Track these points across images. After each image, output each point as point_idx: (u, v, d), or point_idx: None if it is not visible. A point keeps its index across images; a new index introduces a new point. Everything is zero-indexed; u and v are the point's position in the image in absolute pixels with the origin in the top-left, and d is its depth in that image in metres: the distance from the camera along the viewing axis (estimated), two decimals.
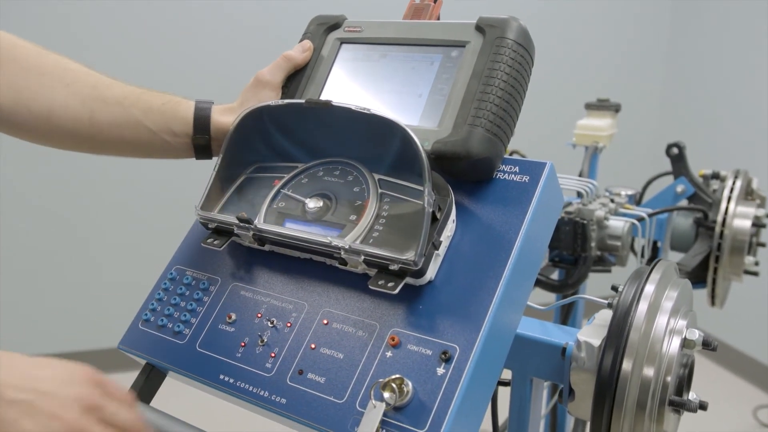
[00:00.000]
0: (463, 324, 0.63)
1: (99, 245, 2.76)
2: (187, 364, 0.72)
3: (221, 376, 0.70)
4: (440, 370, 0.61)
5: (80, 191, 2.69)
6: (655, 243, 1.46)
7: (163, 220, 2.57)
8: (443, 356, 0.61)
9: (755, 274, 1.41)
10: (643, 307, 0.72)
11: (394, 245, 0.65)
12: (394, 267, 0.63)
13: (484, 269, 0.66)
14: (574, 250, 1.23)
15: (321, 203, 0.72)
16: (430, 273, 0.66)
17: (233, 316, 0.73)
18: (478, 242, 0.68)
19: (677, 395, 0.74)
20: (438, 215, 0.65)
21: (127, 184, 2.72)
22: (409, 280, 0.65)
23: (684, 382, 0.75)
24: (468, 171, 0.70)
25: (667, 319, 0.73)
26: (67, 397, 0.54)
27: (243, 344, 0.71)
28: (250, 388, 0.68)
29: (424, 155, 0.65)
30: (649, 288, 0.74)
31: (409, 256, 0.62)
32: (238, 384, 0.69)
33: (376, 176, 0.72)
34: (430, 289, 0.66)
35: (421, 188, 0.66)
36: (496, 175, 0.71)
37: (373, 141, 0.72)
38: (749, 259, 1.36)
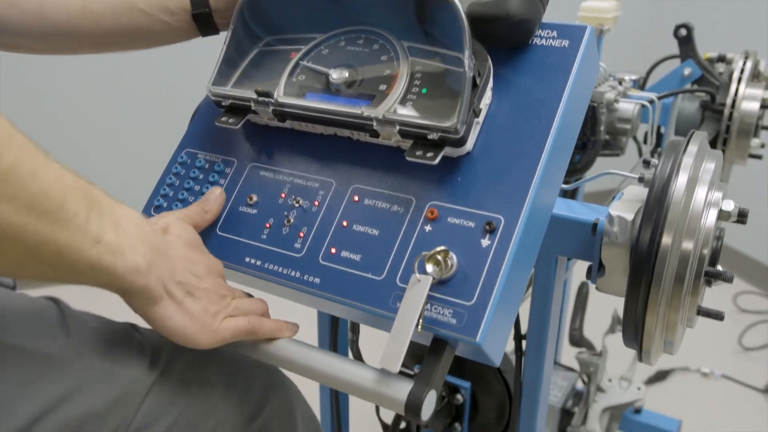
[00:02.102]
0: (507, 194, 0.60)
1: (97, 142, 2.64)
2: (208, 248, 0.69)
3: (247, 259, 0.67)
4: (485, 242, 0.58)
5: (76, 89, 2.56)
6: (659, 129, 1.43)
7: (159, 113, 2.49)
8: (487, 227, 0.58)
9: (759, 157, 1.40)
10: (682, 179, 0.70)
11: (431, 114, 0.61)
12: (433, 136, 0.60)
13: (525, 139, 0.62)
14: (584, 133, 1.20)
15: (346, 74, 0.67)
16: (470, 143, 0.62)
17: (254, 198, 0.69)
18: (516, 111, 0.64)
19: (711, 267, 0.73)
20: (478, 81, 0.61)
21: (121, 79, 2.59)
22: (446, 151, 0.62)
23: (717, 254, 0.73)
24: (505, 35, 0.65)
25: (705, 191, 0.70)
26: (215, 284, 0.60)
27: (268, 225, 0.67)
28: (280, 270, 0.65)
29: (463, 15, 0.60)
30: (687, 160, 0.71)
31: (450, 123, 0.59)
32: (266, 266, 0.66)
33: (405, 44, 0.67)
34: (468, 161, 0.63)
35: (455, 54, 0.62)
36: (533, 40, 0.67)
37: (400, 5, 0.66)
38: (755, 142, 1.35)
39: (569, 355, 1.60)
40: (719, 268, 0.75)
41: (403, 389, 0.56)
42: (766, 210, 2.39)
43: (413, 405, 0.55)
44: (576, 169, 1.24)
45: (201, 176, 0.73)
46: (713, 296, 0.74)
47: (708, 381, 2.07)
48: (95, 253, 0.49)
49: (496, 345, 0.58)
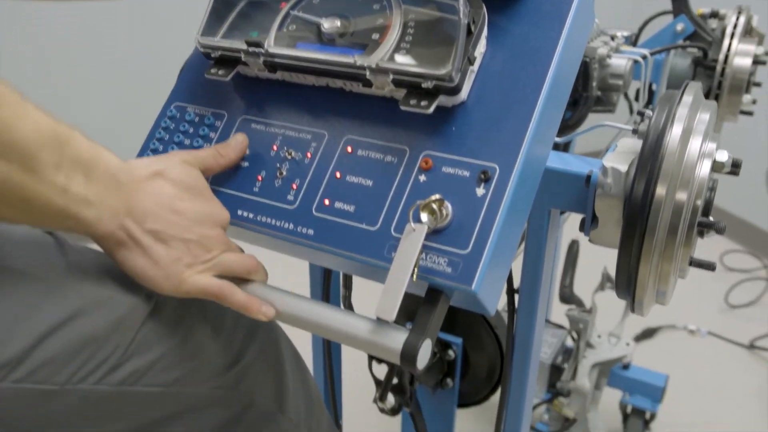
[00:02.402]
0: (502, 144, 0.59)
1: (87, 93, 2.61)
2: None
3: (239, 212, 0.66)
4: (480, 191, 0.58)
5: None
6: (650, 86, 1.43)
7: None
8: (482, 176, 0.58)
9: (750, 113, 1.40)
10: (676, 130, 0.69)
11: (425, 62, 0.60)
12: (427, 84, 0.59)
13: (520, 87, 0.61)
14: (576, 90, 1.20)
15: (338, 23, 0.65)
16: (464, 91, 0.61)
17: (246, 151, 0.68)
18: (511, 60, 0.63)
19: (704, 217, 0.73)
20: (472, 28, 0.60)
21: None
22: (440, 100, 0.61)
23: (710, 205, 0.73)
24: None
25: (700, 142, 0.70)
26: (203, 234, 0.60)
27: (260, 178, 0.67)
28: (273, 222, 0.64)
29: None
30: (682, 111, 0.71)
31: (445, 71, 0.58)
32: (258, 218, 0.65)
33: None
34: (463, 110, 0.62)
35: (449, 1, 0.61)
36: None
37: None
38: (747, 98, 1.34)
39: (559, 312, 1.61)
40: (711, 219, 0.75)
41: (398, 339, 0.56)
42: (753, 169, 2.40)
43: (409, 354, 0.55)
44: (567, 126, 1.23)
45: (191, 130, 0.72)
46: (701, 255, 0.74)
47: (694, 338, 2.10)
48: (62, 203, 0.52)
49: (491, 294, 0.58)
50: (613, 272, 1.54)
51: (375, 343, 0.57)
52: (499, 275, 0.59)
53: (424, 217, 0.56)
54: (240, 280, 0.63)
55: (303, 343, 0.83)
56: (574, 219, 1.26)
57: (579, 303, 1.47)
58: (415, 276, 0.56)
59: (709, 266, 0.75)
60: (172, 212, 0.59)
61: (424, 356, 0.56)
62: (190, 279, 0.59)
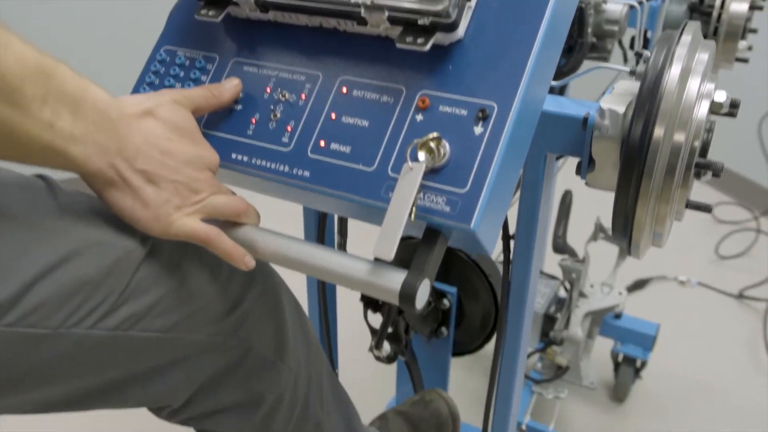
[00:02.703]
0: (499, 82, 0.58)
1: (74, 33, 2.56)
2: None
3: (233, 155, 0.65)
4: (478, 129, 0.57)
5: None
6: (645, 33, 1.41)
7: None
8: (480, 114, 0.57)
9: (745, 60, 1.39)
10: (675, 70, 0.68)
11: None
12: (423, 21, 0.58)
13: (517, 25, 0.60)
14: (570, 36, 1.18)
15: None
16: (461, 28, 0.60)
17: (239, 94, 0.67)
18: None
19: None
20: None
21: None
22: (437, 38, 0.59)
23: (707, 147, 0.73)
24: None
25: (698, 82, 0.69)
26: (191, 177, 0.59)
27: (254, 121, 0.66)
28: (268, 164, 0.63)
29: None
30: (681, 51, 0.70)
31: (442, 6, 0.56)
32: (253, 161, 0.64)
33: None
34: (460, 48, 0.61)
35: None
36: None
37: None
38: (742, 44, 1.33)
39: (552, 263, 1.62)
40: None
41: (397, 279, 0.56)
42: (745, 120, 2.40)
43: (407, 294, 0.55)
44: (562, 73, 1.22)
45: (182, 74, 0.71)
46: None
47: (685, 288, 2.12)
48: (48, 138, 0.51)
49: (490, 233, 0.58)
50: (606, 223, 1.54)
51: (373, 283, 0.57)
52: (497, 215, 0.59)
53: (421, 155, 0.56)
54: (232, 224, 0.63)
55: (297, 293, 0.83)
56: (567, 169, 1.25)
57: (572, 253, 1.48)
58: (413, 215, 0.55)
59: (706, 208, 0.75)
60: (162, 153, 0.58)
61: (422, 296, 0.55)
62: (179, 221, 0.58)
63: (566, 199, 1.48)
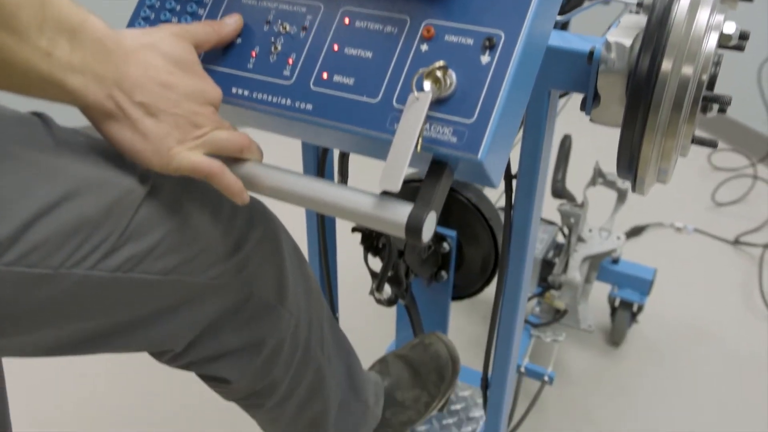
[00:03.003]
0: (506, 10, 0.57)
1: None
2: None
3: (234, 90, 0.64)
4: (485, 59, 0.56)
5: None
6: None
7: None
8: (487, 43, 0.56)
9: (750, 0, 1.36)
10: (684, 1, 0.67)
11: None
12: None
13: None
14: None
15: None
16: None
17: (240, 30, 0.65)
18: None
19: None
20: None
21: None
22: None
23: (714, 80, 0.72)
24: None
25: (708, 14, 0.68)
26: (192, 111, 0.58)
27: (254, 54, 0.64)
28: (269, 98, 0.62)
29: None
30: None
31: None
32: (254, 96, 0.63)
33: None
34: None
35: None
36: None
37: None
38: None
39: (550, 208, 1.62)
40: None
41: (403, 211, 0.55)
42: (743, 66, 2.37)
43: (414, 226, 0.54)
44: (564, 11, 1.20)
45: (178, 7, 0.69)
46: (689, 157, 0.74)
47: (681, 235, 2.13)
48: (45, 67, 0.50)
49: (497, 165, 0.57)
50: (605, 168, 1.54)
51: (379, 217, 0.56)
52: (503, 147, 0.58)
53: (427, 85, 0.54)
54: (234, 161, 0.62)
55: (297, 239, 0.82)
56: (566, 114, 1.24)
57: (571, 198, 1.47)
58: (419, 146, 0.54)
59: (711, 143, 0.75)
60: (161, 85, 0.57)
61: (429, 229, 0.55)
62: (180, 155, 0.57)
63: (565, 144, 1.47)
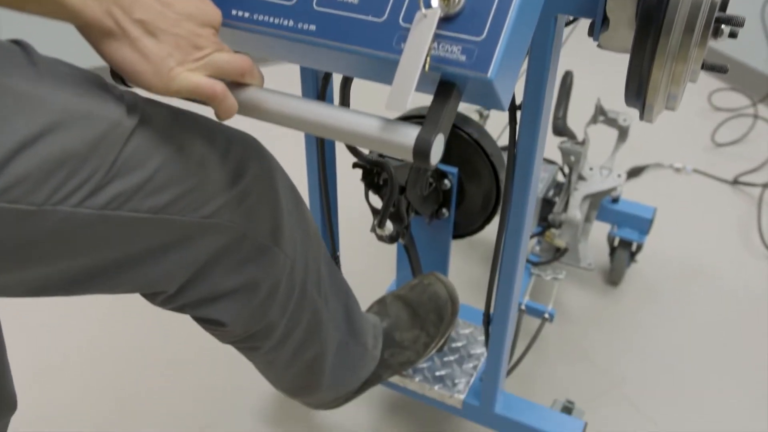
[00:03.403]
0: None
1: None
2: None
3: (233, 12, 0.62)
4: None
5: None
6: None
7: None
8: None
9: None
10: None
11: None
12: None
13: None
14: None
15: None
16: None
17: None
18: None
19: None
20: None
21: None
22: None
23: (728, 1, 0.70)
24: None
25: None
26: (193, 32, 0.56)
27: None
28: (271, 20, 0.60)
29: None
30: None
31: None
32: (255, 17, 0.61)
33: None
34: None
35: None
36: None
37: None
38: None
39: (551, 147, 1.60)
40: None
41: (410, 134, 0.54)
42: (745, 5, 2.34)
43: (422, 149, 0.53)
44: None
45: None
46: (688, 93, 0.72)
47: (680, 175, 2.12)
48: None
49: (506, 85, 0.55)
50: (606, 104, 1.52)
51: (386, 140, 0.55)
52: (512, 67, 0.56)
53: (435, 1, 0.53)
54: (235, 85, 0.60)
55: (297, 182, 0.81)
56: (568, 49, 1.22)
57: (572, 135, 1.46)
58: (427, 66, 0.53)
59: (722, 69, 0.73)
60: (161, 3, 0.55)
61: (437, 152, 0.54)
62: (181, 76, 0.56)
63: (567, 80, 1.44)
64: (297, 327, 0.84)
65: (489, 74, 0.52)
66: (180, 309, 0.74)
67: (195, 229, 0.65)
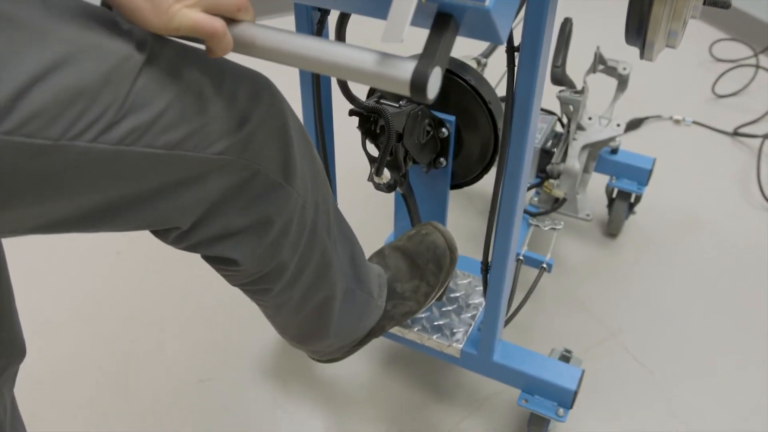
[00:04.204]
0: None
1: None
2: None
3: None
4: None
5: None
6: None
7: None
8: None
9: None
10: None
11: None
12: None
13: None
14: None
15: None
16: None
17: None
18: None
19: None
20: None
21: None
22: None
23: None
24: None
25: None
26: None
27: None
28: None
29: None
30: None
31: None
32: None
33: None
34: None
35: None
36: None
37: None
38: None
39: (549, 97, 1.59)
40: None
41: (407, 68, 0.53)
42: None
43: (419, 82, 0.52)
44: None
45: None
46: (688, 44, 0.70)
47: (679, 127, 2.10)
48: None
49: (504, 16, 0.54)
50: (606, 53, 1.50)
51: (382, 74, 0.54)
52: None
53: None
54: (229, 21, 0.59)
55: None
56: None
57: (570, 84, 1.44)
58: None
59: (724, 4, 0.72)
60: None
61: (434, 85, 0.53)
62: (180, 12, 0.55)
63: (566, 28, 1.42)
64: (307, 267, 0.84)
65: (487, 3, 0.51)
66: (193, 248, 0.74)
67: (208, 165, 0.64)
